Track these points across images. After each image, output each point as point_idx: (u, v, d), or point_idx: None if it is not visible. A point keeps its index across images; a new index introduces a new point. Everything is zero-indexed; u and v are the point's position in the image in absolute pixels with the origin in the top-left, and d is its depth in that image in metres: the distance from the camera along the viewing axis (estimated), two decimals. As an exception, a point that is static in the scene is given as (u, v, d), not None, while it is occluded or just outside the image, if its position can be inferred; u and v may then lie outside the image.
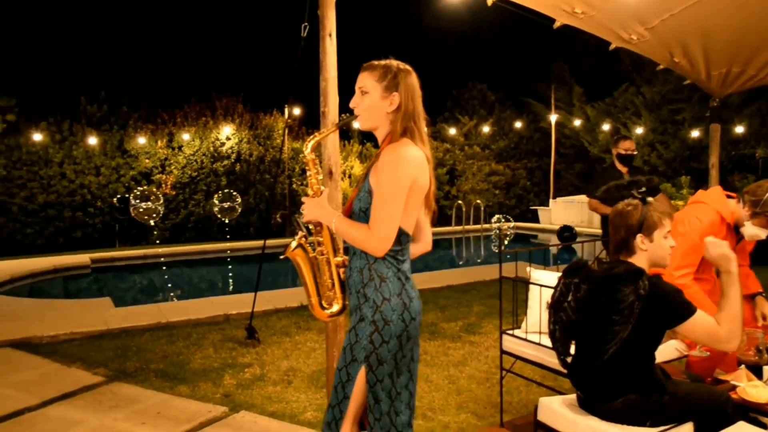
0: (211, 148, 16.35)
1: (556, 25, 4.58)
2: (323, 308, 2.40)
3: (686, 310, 2.40)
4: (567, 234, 13.19)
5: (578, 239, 15.09)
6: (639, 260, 2.60)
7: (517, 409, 4.14)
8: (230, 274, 12.27)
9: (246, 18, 28.69)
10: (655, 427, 2.46)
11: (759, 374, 2.97)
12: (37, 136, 14.47)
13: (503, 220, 15.60)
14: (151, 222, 14.50)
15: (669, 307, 2.41)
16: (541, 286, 3.55)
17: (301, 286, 2.46)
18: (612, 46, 5.03)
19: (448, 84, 24.30)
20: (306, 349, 5.64)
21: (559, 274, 2.91)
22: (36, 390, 4.66)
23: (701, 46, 5.01)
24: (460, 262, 13.69)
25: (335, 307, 2.40)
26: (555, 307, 2.77)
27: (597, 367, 2.55)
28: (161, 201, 13.99)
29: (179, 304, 7.89)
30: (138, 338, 6.09)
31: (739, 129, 15.63)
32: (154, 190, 14.55)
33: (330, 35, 3.45)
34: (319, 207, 2.26)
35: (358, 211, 2.22)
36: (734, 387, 2.85)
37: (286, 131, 16.06)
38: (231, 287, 10.74)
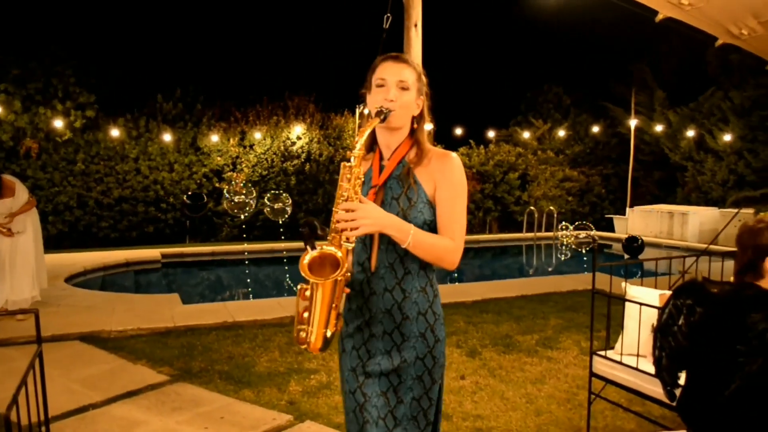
0: (282, 148, 16.39)
1: (659, 18, 4.20)
2: (326, 341, 1.95)
3: None
4: (635, 245, 12.55)
5: (657, 254, 14.39)
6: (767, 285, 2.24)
7: (604, 436, 3.79)
8: (298, 275, 12.19)
9: (322, 17, 28.87)
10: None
11: None
12: (115, 132, 14.80)
13: (580, 227, 14.97)
14: (242, 216, 14.55)
15: None
16: (641, 304, 3.18)
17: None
18: (718, 42, 4.59)
19: (522, 85, 23.72)
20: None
21: (659, 291, 2.57)
22: (102, 386, 4.61)
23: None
24: (531, 271, 13.24)
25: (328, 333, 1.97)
26: (662, 331, 2.42)
27: (716, 405, 2.20)
28: (254, 194, 14.01)
29: (246, 304, 7.81)
30: (204, 337, 6.00)
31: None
32: (242, 183, 14.58)
33: (416, 25, 3.24)
34: (386, 216, 1.88)
35: (422, 225, 1.95)
36: None
37: (357, 131, 15.95)
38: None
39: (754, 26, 4.38)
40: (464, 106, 24.16)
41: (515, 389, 4.62)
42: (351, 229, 1.80)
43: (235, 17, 27.65)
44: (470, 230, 18.13)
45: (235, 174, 15.77)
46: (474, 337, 6.02)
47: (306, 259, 1.83)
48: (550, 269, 13.04)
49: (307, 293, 1.90)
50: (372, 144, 2.11)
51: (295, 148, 16.48)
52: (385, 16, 4.04)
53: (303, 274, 1.81)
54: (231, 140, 16.14)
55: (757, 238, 2.27)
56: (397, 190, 1.99)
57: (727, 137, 17.04)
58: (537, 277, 10.27)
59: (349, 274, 1.91)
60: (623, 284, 3.53)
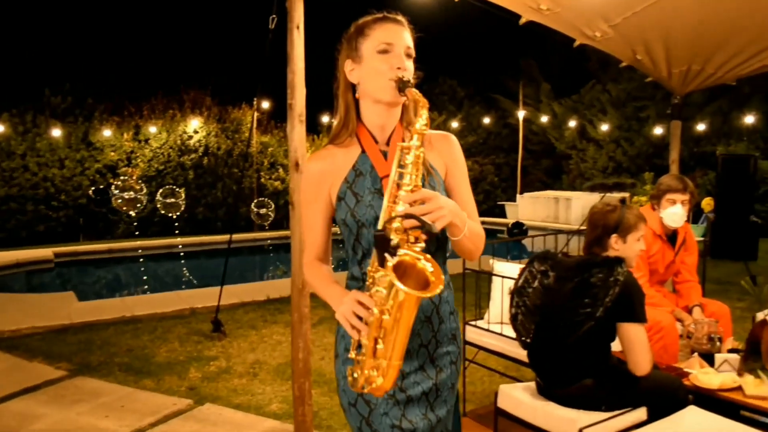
0: (179, 142, 16.17)
1: (522, 21, 4.64)
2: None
3: (642, 314, 2.53)
4: (516, 231, 13.37)
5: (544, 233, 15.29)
6: None
7: (480, 399, 4.21)
8: (197, 269, 12.18)
9: (214, 10, 28.40)
10: (609, 411, 2.54)
11: (711, 362, 3.07)
12: (-1, 128, 14.17)
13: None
14: (132, 213, 14.27)
15: (634, 302, 2.52)
16: (504, 277, 3.61)
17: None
18: (576, 43, 5.11)
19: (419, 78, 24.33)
20: (272, 342, 5.65)
21: (520, 265, 2.99)
22: (-4, 384, 4.60)
23: (662, 44, 5.12)
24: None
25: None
26: (518, 292, 2.87)
27: (557, 352, 2.63)
28: (144, 191, 13.76)
29: (144, 298, 7.83)
30: (102, 332, 6.03)
31: (701, 126, 15.99)
32: (133, 179, 14.29)
33: (298, 27, 3.47)
34: (453, 203, 1.56)
35: None
36: (687, 374, 2.95)
37: (255, 125, 15.96)
38: (197, 281, 10.66)
39: (605, 29, 4.92)
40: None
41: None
42: (432, 222, 1.42)
43: (128, 9, 26.75)
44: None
45: (130, 169, 15.43)
46: (368, 320, 6.38)
47: (391, 262, 1.38)
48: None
49: (371, 318, 1.43)
50: (348, 125, 1.72)
51: (192, 142, 16.29)
52: (271, 18, 4.28)
53: (395, 283, 1.34)
54: (125, 135, 15.77)
55: (606, 218, 2.77)
56: None
57: (605, 127, 18.33)
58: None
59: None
60: (491, 261, 3.96)
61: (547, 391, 2.69)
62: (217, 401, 4.27)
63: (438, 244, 1.67)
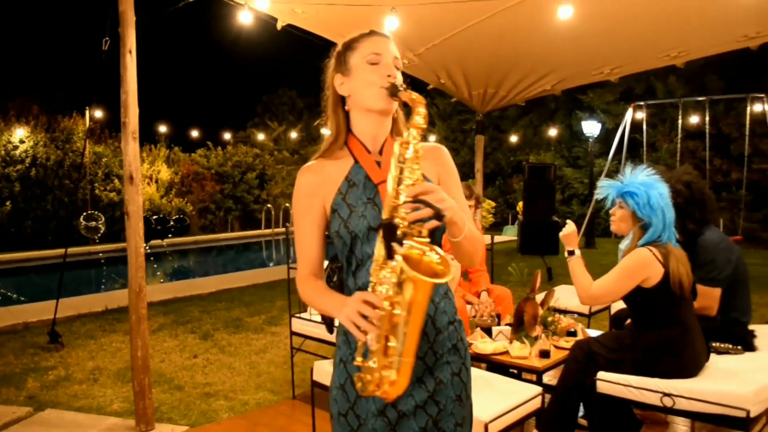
0: (2, 152, 15.25)
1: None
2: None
3: None
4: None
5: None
6: None
7: (309, 384, 4.73)
8: (28, 284, 11.68)
9: (44, 19, 26.81)
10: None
11: (491, 334, 3.81)
12: None
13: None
14: None
15: None
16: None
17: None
18: None
19: (258, 89, 24.62)
20: (112, 350, 5.81)
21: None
22: None
23: (461, 70, 5.96)
24: (271, 263, 14.15)
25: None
26: (324, 287, 3.40)
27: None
28: None
29: (-29, 316, 7.53)
30: (-74, 351, 5.85)
31: (514, 138, 17.77)
32: None
33: (130, 52, 3.77)
34: (454, 202, 1.53)
35: None
36: (470, 344, 3.67)
37: (87, 135, 15.46)
38: (29, 297, 10.27)
39: (411, 57, 5.66)
40: (200, 108, 24.36)
41: (241, 360, 5.41)
42: (434, 210, 1.41)
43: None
44: (212, 229, 18.56)
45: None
46: (207, 323, 6.71)
47: (401, 251, 1.37)
48: (290, 260, 14.03)
49: (381, 312, 1.39)
50: (339, 138, 1.73)
51: (18, 152, 15.43)
52: (104, 40, 4.53)
53: (406, 269, 1.32)
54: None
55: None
56: None
57: (433, 138, 19.74)
58: (269, 268, 11.22)
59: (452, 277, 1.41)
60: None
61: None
62: (57, 407, 4.41)
63: None
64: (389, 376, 1.38)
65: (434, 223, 1.43)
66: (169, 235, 16.16)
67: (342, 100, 1.72)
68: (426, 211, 1.39)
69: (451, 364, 1.64)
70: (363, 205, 1.63)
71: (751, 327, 3.59)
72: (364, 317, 1.40)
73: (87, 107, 15.43)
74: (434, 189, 1.44)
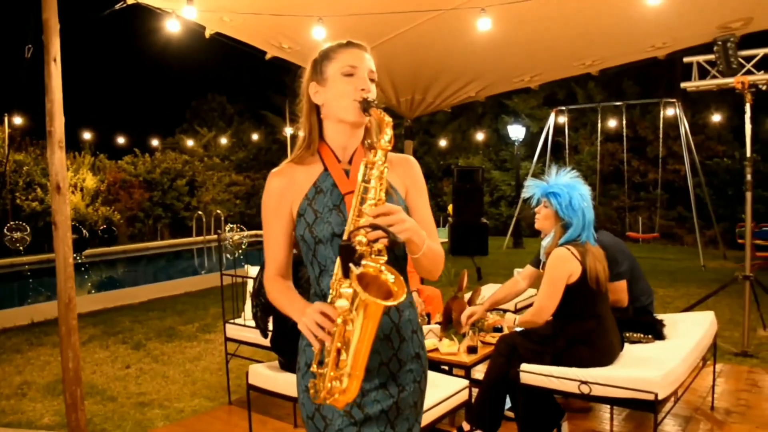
0: None
1: (268, 56, 5.32)
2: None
3: None
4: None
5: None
6: None
7: (244, 389, 4.76)
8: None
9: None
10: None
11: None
12: None
13: (237, 229, 16.14)
14: None
15: None
16: (246, 278, 4.24)
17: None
18: (268, 56, 5.76)
19: (187, 95, 24.20)
20: (40, 363, 5.67)
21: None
22: None
23: (389, 78, 6.13)
24: (203, 271, 13.97)
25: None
26: (256, 294, 3.49)
27: (289, 337, 3.29)
28: None
29: None
30: None
31: (443, 142, 18.14)
32: None
33: (55, 60, 3.71)
34: (413, 222, 1.59)
35: None
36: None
37: (7, 142, 14.88)
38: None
39: (290, 44, 5.60)
40: (126, 114, 23.79)
41: (175, 368, 5.38)
42: (389, 236, 1.47)
43: None
44: (141, 238, 18.15)
45: None
46: (139, 333, 6.62)
47: (356, 272, 1.43)
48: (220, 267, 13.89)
49: (334, 328, 1.47)
50: (310, 145, 1.77)
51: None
52: (27, 47, 4.44)
53: (359, 292, 1.38)
54: None
55: None
56: None
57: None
58: (202, 275, 11.11)
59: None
60: (245, 266, 4.57)
61: (288, 365, 3.34)
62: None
63: (397, 264, 1.61)
64: (339, 387, 1.44)
65: (403, 238, 1.50)
66: (88, 248, 15.68)
67: (317, 108, 1.76)
68: (382, 238, 1.46)
69: (413, 372, 1.70)
70: (329, 211, 1.67)
71: (659, 317, 3.87)
72: (322, 327, 1.47)
73: (6, 114, 14.86)
74: (395, 210, 1.49)
